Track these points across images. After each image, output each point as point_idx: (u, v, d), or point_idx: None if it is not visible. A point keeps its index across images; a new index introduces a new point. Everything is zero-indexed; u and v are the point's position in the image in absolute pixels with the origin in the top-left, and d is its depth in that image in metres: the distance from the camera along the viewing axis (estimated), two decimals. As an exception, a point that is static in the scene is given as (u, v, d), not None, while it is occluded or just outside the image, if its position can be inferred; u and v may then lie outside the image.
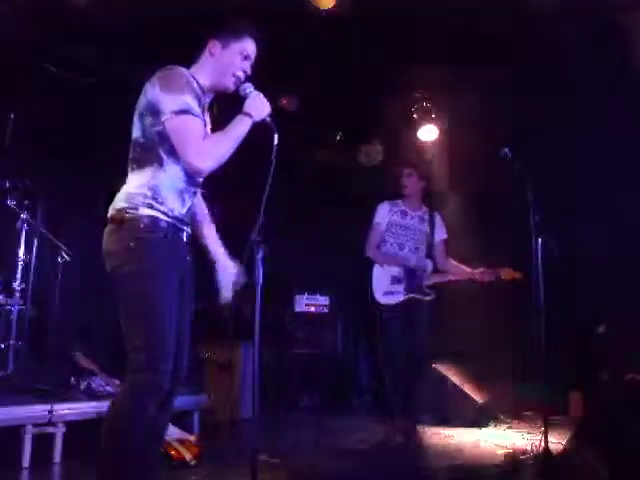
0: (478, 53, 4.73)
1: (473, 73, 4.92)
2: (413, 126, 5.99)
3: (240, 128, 2.23)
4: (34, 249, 4.54)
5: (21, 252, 4.52)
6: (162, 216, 2.17)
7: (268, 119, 2.32)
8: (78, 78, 4.90)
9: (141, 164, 2.19)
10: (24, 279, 4.52)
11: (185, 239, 2.30)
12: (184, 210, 2.26)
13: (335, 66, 5.07)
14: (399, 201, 4.61)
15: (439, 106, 5.79)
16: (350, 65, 5.08)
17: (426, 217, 4.60)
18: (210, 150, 2.15)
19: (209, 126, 2.38)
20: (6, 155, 4.42)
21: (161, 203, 2.17)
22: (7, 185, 4.44)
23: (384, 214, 4.54)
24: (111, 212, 2.19)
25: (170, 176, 2.18)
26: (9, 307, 4.45)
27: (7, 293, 4.49)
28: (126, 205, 2.15)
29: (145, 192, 2.15)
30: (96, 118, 4.82)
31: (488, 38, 4.59)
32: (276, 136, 2.33)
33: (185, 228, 2.29)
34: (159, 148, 2.16)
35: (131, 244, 2.11)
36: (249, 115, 2.25)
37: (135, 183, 2.18)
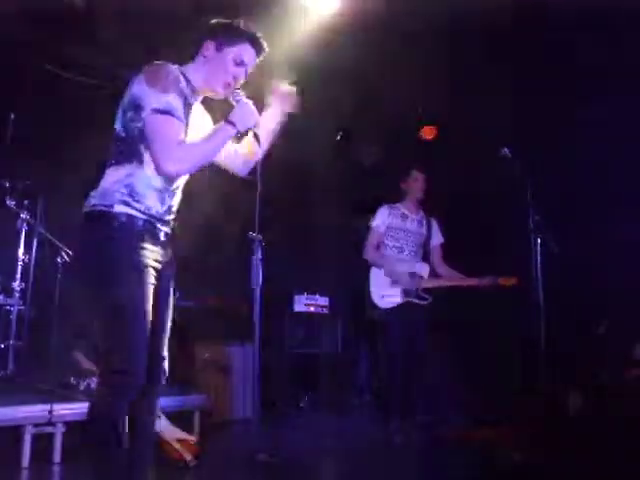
0: (478, 52, 4.75)
1: (473, 72, 4.93)
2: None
3: (220, 137, 2.19)
4: (34, 249, 4.54)
5: (21, 252, 4.52)
6: (138, 214, 2.11)
7: (254, 129, 2.27)
8: (78, 78, 4.90)
9: (120, 159, 2.13)
10: (24, 279, 4.53)
11: (163, 238, 2.23)
12: (163, 209, 2.20)
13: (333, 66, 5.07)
14: (399, 204, 4.64)
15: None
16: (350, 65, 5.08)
17: (424, 221, 4.65)
18: (183, 156, 2.08)
19: (195, 122, 2.30)
20: (6, 155, 4.42)
21: (137, 201, 2.11)
22: (7, 185, 4.45)
23: (383, 217, 4.56)
24: (85, 209, 2.13)
25: (149, 174, 2.12)
26: (9, 307, 4.45)
27: (7, 293, 4.49)
28: (100, 202, 2.09)
29: (121, 189, 2.09)
30: (96, 118, 4.81)
31: (488, 37, 4.60)
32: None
33: (163, 227, 2.23)
34: (140, 145, 2.10)
35: (104, 243, 2.06)
36: (232, 124, 2.18)
37: (111, 179, 2.12)
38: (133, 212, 2.10)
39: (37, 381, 3.90)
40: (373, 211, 4.64)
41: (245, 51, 2.26)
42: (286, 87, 2.45)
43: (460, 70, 4.97)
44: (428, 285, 4.46)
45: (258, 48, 2.29)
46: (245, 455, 3.33)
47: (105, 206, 2.08)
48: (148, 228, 2.15)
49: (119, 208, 2.08)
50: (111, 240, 2.06)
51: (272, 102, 2.46)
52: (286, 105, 2.45)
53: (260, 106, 2.33)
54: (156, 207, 2.17)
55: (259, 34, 2.29)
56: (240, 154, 2.47)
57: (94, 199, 2.12)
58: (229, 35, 2.25)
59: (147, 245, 2.13)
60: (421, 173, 4.62)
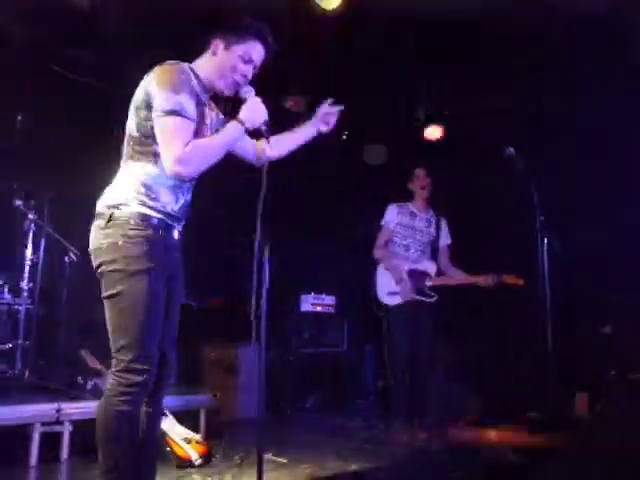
0: (478, 52, 4.75)
1: (473, 72, 4.94)
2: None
3: (230, 135, 2.19)
4: (41, 249, 4.57)
5: (29, 252, 4.54)
6: (153, 212, 2.13)
7: (263, 127, 2.27)
8: (86, 79, 4.92)
9: (134, 158, 2.15)
10: (32, 279, 4.55)
11: (176, 236, 2.26)
12: (177, 206, 2.21)
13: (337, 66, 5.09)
14: (408, 203, 4.64)
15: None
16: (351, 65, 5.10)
17: (433, 220, 4.63)
18: (191, 157, 2.06)
19: (209, 119, 2.32)
20: (14, 156, 4.45)
21: (153, 199, 2.13)
22: (15, 186, 4.48)
23: (392, 215, 4.56)
24: (100, 207, 2.15)
25: (163, 172, 2.12)
26: (17, 307, 4.48)
27: (15, 293, 4.52)
28: (116, 201, 2.11)
29: (137, 187, 2.12)
30: (102, 118, 4.84)
31: (488, 38, 4.61)
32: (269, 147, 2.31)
33: (176, 225, 2.25)
34: (153, 143, 2.11)
35: (119, 242, 2.07)
36: (241, 122, 2.19)
37: (127, 178, 2.15)
38: (148, 211, 2.12)
39: (45, 380, 3.93)
40: (380, 210, 4.64)
41: (253, 49, 2.26)
42: (331, 109, 2.52)
43: (462, 70, 4.99)
44: (434, 283, 4.47)
45: (267, 46, 2.29)
46: (251, 454, 3.34)
47: (121, 205, 2.10)
48: (162, 226, 2.16)
49: (135, 207, 2.10)
50: (127, 238, 2.08)
51: (315, 119, 2.54)
52: (326, 125, 2.53)
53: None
54: (171, 204, 2.19)
55: (268, 32, 2.29)
56: (254, 148, 2.50)
57: (110, 198, 2.14)
58: (238, 33, 2.25)
59: (161, 243, 2.15)
60: (422, 169, 4.61)
